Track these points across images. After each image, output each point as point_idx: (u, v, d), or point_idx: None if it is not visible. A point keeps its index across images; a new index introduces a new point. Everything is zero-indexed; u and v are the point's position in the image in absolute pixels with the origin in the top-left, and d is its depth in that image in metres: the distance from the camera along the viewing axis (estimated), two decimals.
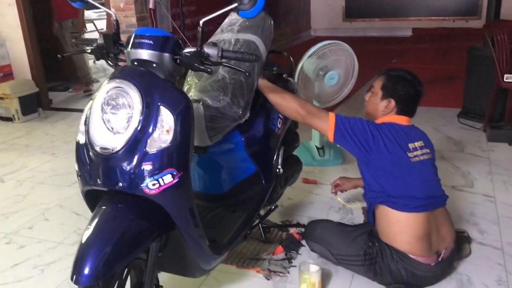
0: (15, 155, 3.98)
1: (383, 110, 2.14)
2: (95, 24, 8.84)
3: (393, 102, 2.11)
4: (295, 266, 2.29)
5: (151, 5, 4.72)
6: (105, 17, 8.97)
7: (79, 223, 2.80)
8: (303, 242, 2.48)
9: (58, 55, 1.83)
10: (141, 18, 4.61)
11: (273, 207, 2.44)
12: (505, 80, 3.72)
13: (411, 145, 2.08)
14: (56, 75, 6.37)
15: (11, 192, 3.27)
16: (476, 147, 3.74)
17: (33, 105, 5.07)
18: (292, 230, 2.59)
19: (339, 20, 10.22)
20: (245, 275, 2.26)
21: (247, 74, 1.68)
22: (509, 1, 5.06)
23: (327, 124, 2.08)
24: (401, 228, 2.02)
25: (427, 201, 2.04)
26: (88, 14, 8.62)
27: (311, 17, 10.46)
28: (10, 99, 4.83)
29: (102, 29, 9.12)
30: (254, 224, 2.28)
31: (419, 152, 2.08)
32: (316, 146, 3.59)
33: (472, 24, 8.95)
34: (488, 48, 3.89)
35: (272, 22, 2.28)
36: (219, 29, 2.28)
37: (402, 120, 2.13)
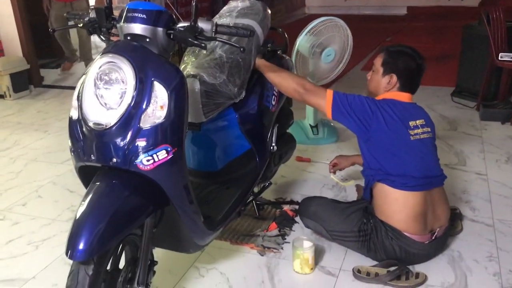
0: (7, 133, 3.94)
1: (385, 86, 2.12)
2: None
3: (394, 77, 2.09)
4: (288, 242, 2.31)
5: None
6: None
7: (73, 200, 2.80)
8: (297, 219, 2.50)
9: (50, 29, 1.79)
10: None
11: (267, 184, 2.45)
12: (499, 58, 3.71)
13: (412, 123, 2.06)
14: (47, 52, 6.29)
15: (4, 170, 3.26)
16: (469, 125, 3.75)
17: (24, 82, 5.01)
18: (286, 207, 2.60)
19: None
20: (239, 251, 2.28)
21: (241, 49, 1.66)
22: None
23: (325, 101, 2.07)
24: (398, 206, 2.03)
25: (425, 181, 2.05)
26: None
27: None
28: (1, 76, 4.76)
29: (93, 5, 8.99)
30: (248, 201, 2.28)
31: (419, 130, 2.07)
32: (310, 125, 3.59)
33: (467, 3, 8.89)
34: (484, 26, 3.88)
35: (269, 11, 2.32)
36: (217, 15, 2.28)
37: (404, 96, 2.11)
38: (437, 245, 2.12)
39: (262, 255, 2.24)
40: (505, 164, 3.11)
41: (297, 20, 9.31)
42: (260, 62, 2.18)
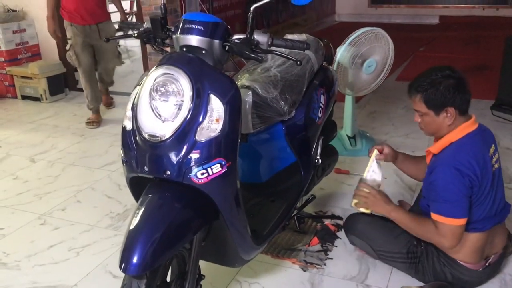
0: (44, 135, 3.99)
1: (447, 123, 1.90)
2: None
3: (450, 109, 1.88)
4: (331, 259, 2.27)
5: None
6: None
7: (111, 206, 2.81)
8: (339, 234, 2.45)
9: (104, 39, 1.79)
10: (169, 0, 4.55)
11: (310, 198, 2.41)
12: None
13: (490, 152, 1.91)
14: None
15: (43, 173, 3.29)
16: (511, 141, 3.64)
17: (60, 86, 5.08)
18: (327, 222, 2.55)
19: (365, 6, 10.00)
20: (281, 266, 2.24)
21: (298, 62, 1.63)
22: None
23: (447, 225, 1.86)
24: (462, 241, 1.92)
25: (496, 219, 1.95)
26: None
27: (336, 2, 10.28)
28: (39, 79, 4.85)
29: (126, 9, 9.10)
30: (293, 215, 2.25)
31: (495, 159, 1.93)
32: (347, 135, 3.53)
33: (502, 13, 8.71)
34: None
35: (323, 44, 2.39)
36: None
37: (471, 125, 1.91)
38: (491, 271, 2.04)
39: (304, 271, 2.20)
40: None
41: (327, 27, 9.25)
42: (397, 213, 2.01)
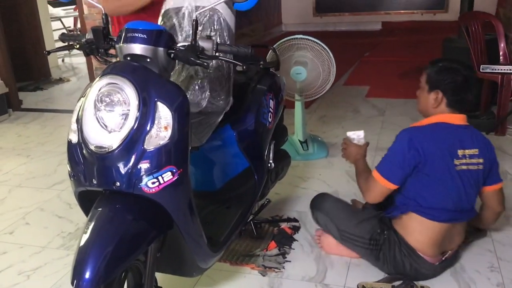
0: None
1: (432, 104, 2.00)
2: (62, 21, 8.61)
3: (440, 94, 1.98)
4: (289, 261, 2.28)
5: None
6: (73, 14, 8.75)
7: (63, 226, 2.71)
8: (296, 236, 2.47)
9: (45, 51, 1.74)
10: None
11: (265, 202, 2.42)
12: (481, 70, 3.79)
13: (460, 152, 1.95)
14: (24, 74, 6.16)
15: None
16: None
17: (3, 106, 4.87)
18: (283, 225, 2.57)
19: (310, 15, 10.23)
20: (240, 272, 2.23)
21: (244, 67, 1.64)
22: None
23: (379, 183, 2.02)
24: (421, 228, 2.00)
25: (456, 215, 2.01)
26: (56, 11, 8.39)
27: (282, 12, 10.45)
28: None
29: (69, 27, 8.91)
30: (249, 220, 2.25)
31: (466, 161, 1.96)
32: (299, 140, 3.58)
33: (439, 17, 9.12)
34: (464, 39, 3.96)
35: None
36: None
37: (455, 118, 1.99)
38: (446, 265, 2.12)
39: (264, 275, 2.20)
40: None
41: (274, 37, 9.37)
42: (359, 163, 2.23)
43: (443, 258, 2.08)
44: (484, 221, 2.26)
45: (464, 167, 1.97)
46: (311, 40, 3.27)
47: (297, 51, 3.29)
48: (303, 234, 2.51)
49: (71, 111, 4.20)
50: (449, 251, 2.09)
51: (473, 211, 2.10)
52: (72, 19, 8.97)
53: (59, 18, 8.34)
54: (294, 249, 2.39)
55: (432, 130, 2.00)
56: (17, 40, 6.10)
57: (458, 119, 2.01)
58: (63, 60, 7.81)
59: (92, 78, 4.88)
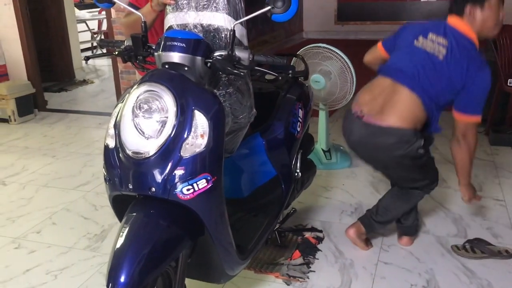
0: (14, 157, 3.89)
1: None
2: (87, 24, 8.75)
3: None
4: (314, 271, 2.28)
5: None
6: (99, 17, 8.89)
7: (88, 227, 2.75)
8: (320, 246, 2.47)
9: (84, 57, 1.78)
10: None
11: (291, 211, 2.42)
12: (508, 84, 3.75)
13: (431, 35, 2.16)
14: (49, 76, 6.28)
15: (15, 196, 3.20)
16: (480, 150, 3.76)
17: (29, 106, 4.97)
18: (307, 235, 2.57)
19: (331, 23, 10.23)
20: (264, 280, 2.24)
21: (280, 78, 1.66)
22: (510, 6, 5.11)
23: (378, 47, 2.47)
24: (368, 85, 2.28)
25: (398, 72, 2.20)
26: (82, 14, 8.52)
27: (303, 20, 10.47)
28: (7, 100, 4.73)
29: (93, 29, 9.04)
30: (275, 228, 2.26)
31: (428, 43, 2.15)
32: (322, 149, 3.58)
33: None
34: (491, 52, 3.93)
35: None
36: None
37: (449, 19, 2.20)
38: (361, 128, 2.25)
39: (288, 285, 2.20)
40: None
41: (295, 44, 9.40)
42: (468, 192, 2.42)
43: (360, 115, 2.26)
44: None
45: (422, 46, 2.17)
46: (333, 51, 3.26)
47: (320, 60, 3.29)
48: (327, 244, 2.51)
49: (95, 113, 4.29)
50: (370, 114, 2.20)
51: (418, 88, 2.15)
52: (96, 21, 9.11)
53: (84, 21, 8.48)
54: (318, 259, 2.39)
55: (422, 22, 2.29)
56: (43, 42, 6.22)
57: (450, 19, 2.21)
58: (86, 62, 7.92)
59: (117, 81, 4.94)
